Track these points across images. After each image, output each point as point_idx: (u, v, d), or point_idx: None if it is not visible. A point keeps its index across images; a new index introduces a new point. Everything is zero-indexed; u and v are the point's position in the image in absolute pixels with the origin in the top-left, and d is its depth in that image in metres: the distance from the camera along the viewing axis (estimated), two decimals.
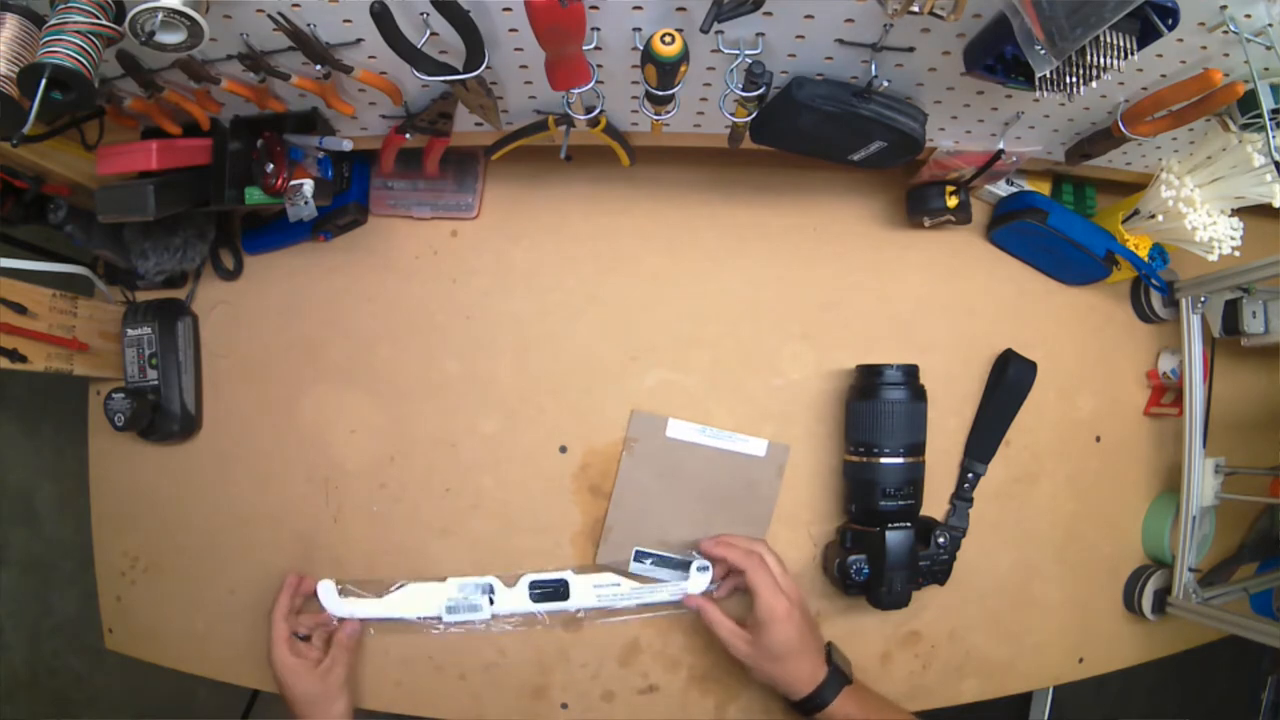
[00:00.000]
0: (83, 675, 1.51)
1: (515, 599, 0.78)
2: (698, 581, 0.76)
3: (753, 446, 0.79)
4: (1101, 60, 0.49)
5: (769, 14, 0.51)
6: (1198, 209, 0.69)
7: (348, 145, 0.66)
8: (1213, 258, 0.71)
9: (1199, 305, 0.77)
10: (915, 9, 0.46)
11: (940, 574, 0.74)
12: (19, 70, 0.46)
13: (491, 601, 0.77)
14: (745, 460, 0.79)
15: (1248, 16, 0.51)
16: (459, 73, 0.55)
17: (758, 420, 0.79)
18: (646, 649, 0.79)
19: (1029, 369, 0.80)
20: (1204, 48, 0.55)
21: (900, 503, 0.72)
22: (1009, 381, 0.79)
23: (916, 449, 0.73)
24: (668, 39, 0.48)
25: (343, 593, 0.77)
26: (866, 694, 0.72)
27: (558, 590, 0.78)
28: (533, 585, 0.78)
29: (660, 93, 0.54)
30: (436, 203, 0.81)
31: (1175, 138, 0.70)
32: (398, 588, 0.78)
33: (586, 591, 0.78)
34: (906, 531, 0.70)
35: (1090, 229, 0.76)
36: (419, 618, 0.78)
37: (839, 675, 0.70)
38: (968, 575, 0.78)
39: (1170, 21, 0.49)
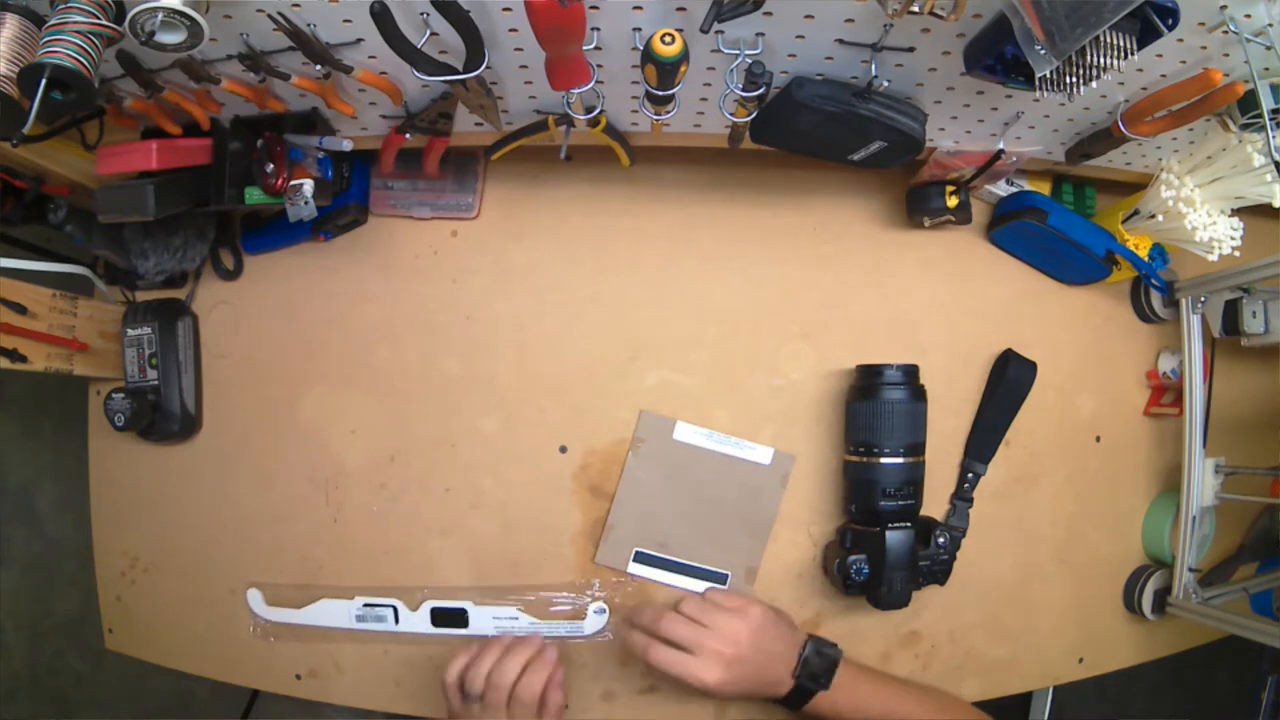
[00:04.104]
0: (83, 675, 1.51)
1: (417, 621, 0.79)
2: (593, 622, 0.78)
3: (758, 454, 0.79)
4: (1101, 60, 0.49)
5: (769, 14, 0.51)
6: (1198, 209, 0.69)
7: (348, 145, 0.66)
8: (1213, 258, 0.71)
9: (1199, 305, 0.77)
10: (915, 9, 0.46)
11: (940, 574, 0.74)
12: (19, 70, 0.46)
13: (397, 620, 0.79)
14: (750, 467, 0.79)
15: (1248, 16, 0.51)
16: (459, 73, 0.55)
17: (758, 420, 0.79)
18: None
19: (1029, 369, 0.80)
20: (1204, 48, 0.55)
21: (900, 503, 0.72)
22: (1009, 381, 0.79)
23: (916, 449, 0.73)
24: (668, 39, 0.48)
25: (269, 601, 0.81)
26: (853, 685, 0.71)
27: (457, 618, 0.78)
28: (434, 611, 0.79)
29: (660, 93, 0.54)
30: (436, 203, 0.81)
31: (1175, 138, 0.70)
32: (315, 602, 0.80)
33: (485, 621, 0.78)
34: (906, 531, 0.70)
35: (1090, 229, 0.76)
36: (333, 626, 0.80)
37: (803, 691, 0.70)
38: (968, 575, 0.78)
39: (1170, 21, 0.49)
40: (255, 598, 0.81)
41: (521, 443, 0.80)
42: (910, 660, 0.81)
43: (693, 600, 0.72)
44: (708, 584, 0.78)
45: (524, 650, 0.70)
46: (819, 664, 0.70)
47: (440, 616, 0.79)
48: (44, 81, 0.45)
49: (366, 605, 0.79)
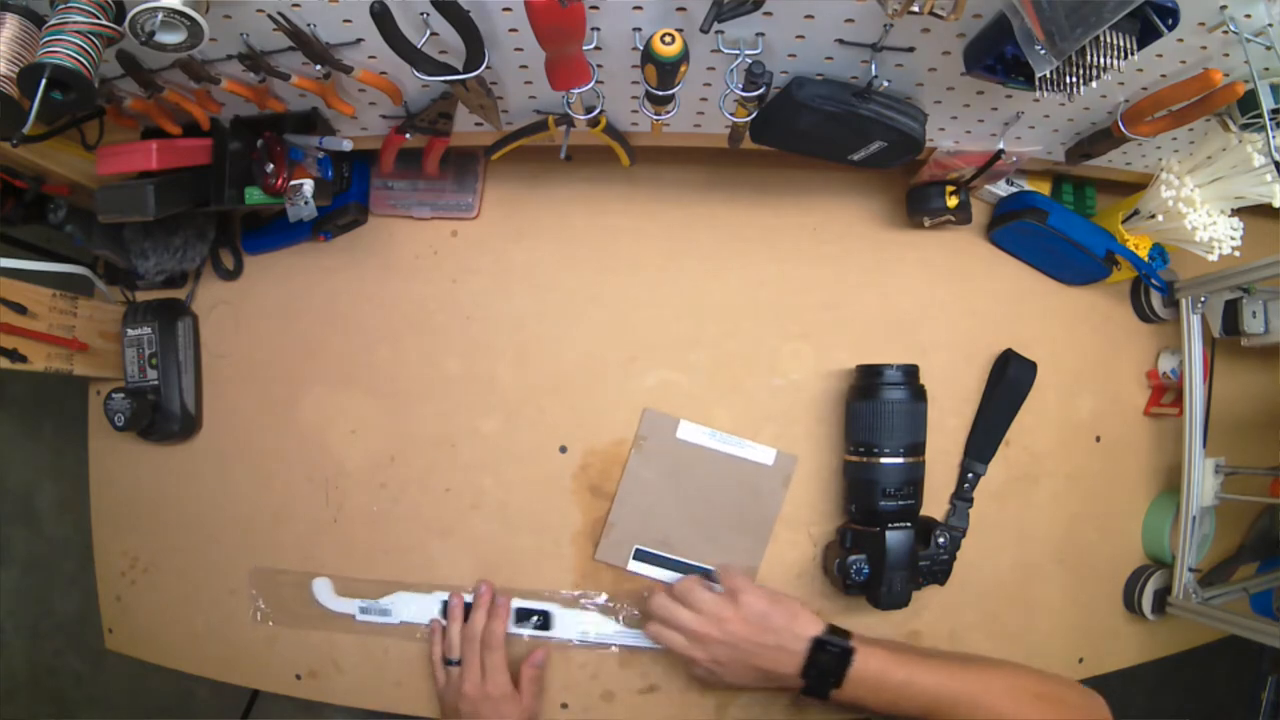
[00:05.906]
0: (83, 675, 1.51)
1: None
2: None
3: (761, 454, 0.79)
4: (1101, 60, 0.49)
5: (769, 14, 0.51)
6: (1198, 209, 0.69)
7: (348, 145, 0.66)
8: (1213, 258, 0.71)
9: (1199, 305, 0.77)
10: (915, 9, 0.46)
11: (940, 574, 0.74)
12: (19, 70, 0.46)
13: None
14: (752, 467, 0.79)
15: (1248, 16, 0.51)
16: (459, 73, 0.55)
17: (758, 420, 0.79)
18: (646, 649, 0.79)
19: (1029, 369, 0.80)
20: (1204, 48, 0.55)
21: (900, 503, 0.72)
22: (1009, 381, 0.79)
23: (916, 449, 0.73)
24: (668, 39, 0.48)
25: (339, 592, 0.80)
26: (879, 678, 0.67)
27: (542, 618, 0.79)
28: (518, 611, 0.79)
29: (660, 93, 0.54)
30: (436, 203, 0.81)
31: (1175, 138, 0.70)
32: (392, 595, 0.80)
33: (570, 626, 0.79)
34: (906, 531, 0.70)
35: (1090, 229, 0.76)
36: (404, 621, 0.80)
37: (821, 680, 0.68)
38: (968, 575, 0.78)
39: (1170, 21, 0.49)
40: (324, 588, 0.80)
41: (521, 443, 0.80)
42: None
43: (685, 580, 0.74)
44: (719, 564, 0.77)
45: (482, 601, 0.77)
46: (827, 661, 0.68)
47: (524, 615, 0.79)
48: (44, 81, 0.45)
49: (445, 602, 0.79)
